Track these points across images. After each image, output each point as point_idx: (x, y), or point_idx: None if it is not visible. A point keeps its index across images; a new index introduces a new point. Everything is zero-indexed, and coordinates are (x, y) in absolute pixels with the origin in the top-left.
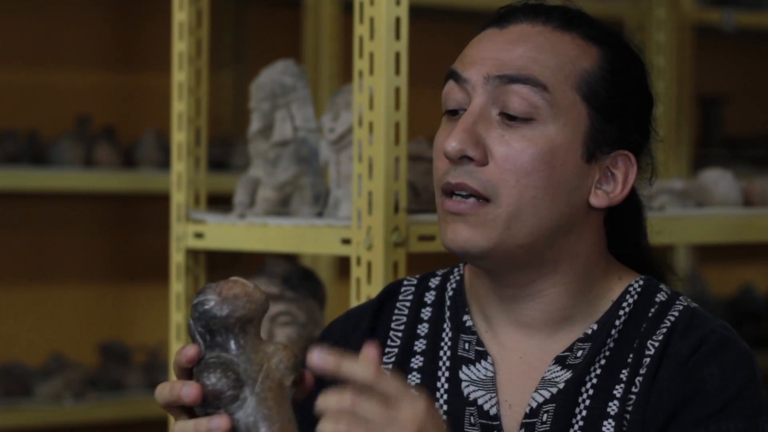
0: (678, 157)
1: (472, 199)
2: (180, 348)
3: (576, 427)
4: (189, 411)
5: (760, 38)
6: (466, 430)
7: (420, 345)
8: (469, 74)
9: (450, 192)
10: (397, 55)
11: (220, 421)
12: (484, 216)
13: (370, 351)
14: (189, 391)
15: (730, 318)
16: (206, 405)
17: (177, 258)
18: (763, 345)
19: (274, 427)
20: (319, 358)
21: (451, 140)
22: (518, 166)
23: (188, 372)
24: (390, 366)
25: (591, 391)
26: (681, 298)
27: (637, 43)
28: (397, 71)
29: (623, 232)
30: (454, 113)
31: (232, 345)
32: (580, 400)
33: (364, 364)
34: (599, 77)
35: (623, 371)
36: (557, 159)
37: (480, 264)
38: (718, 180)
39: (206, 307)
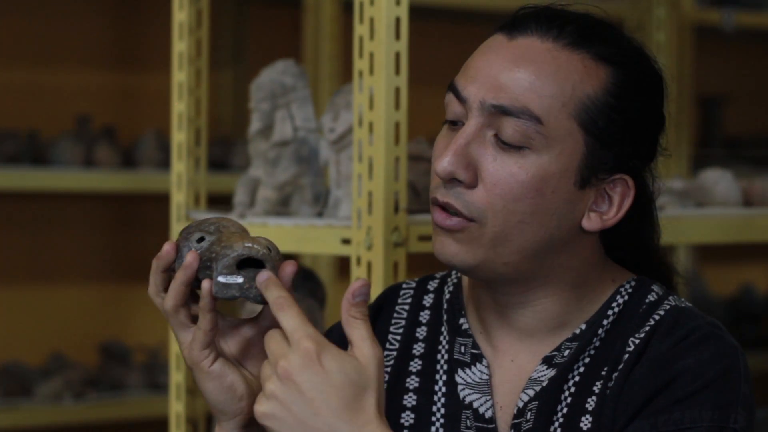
0: (678, 157)
1: (457, 218)
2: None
3: (557, 423)
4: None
5: (760, 38)
6: None
7: (418, 348)
8: (467, 93)
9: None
10: (397, 55)
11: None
12: (469, 234)
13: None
14: (190, 258)
15: (730, 318)
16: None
17: None
18: (763, 345)
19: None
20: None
21: (442, 161)
22: (507, 192)
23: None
24: (388, 369)
25: (573, 389)
26: (671, 298)
27: (660, 64)
28: (397, 71)
29: (628, 232)
30: (454, 124)
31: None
32: (562, 397)
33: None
34: (602, 102)
35: (604, 368)
36: (548, 187)
37: (468, 276)
38: (718, 180)
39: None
